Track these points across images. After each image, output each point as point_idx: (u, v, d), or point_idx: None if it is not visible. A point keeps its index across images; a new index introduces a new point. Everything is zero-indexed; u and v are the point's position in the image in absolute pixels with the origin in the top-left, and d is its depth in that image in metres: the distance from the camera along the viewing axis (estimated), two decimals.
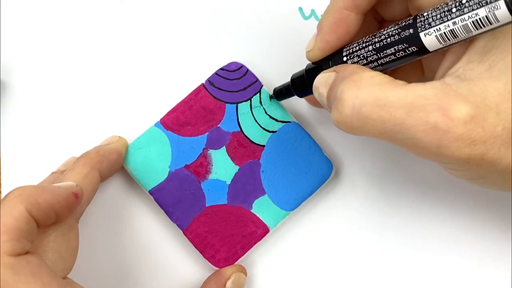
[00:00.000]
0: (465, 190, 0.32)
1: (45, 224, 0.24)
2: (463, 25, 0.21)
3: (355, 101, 0.23)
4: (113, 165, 0.30)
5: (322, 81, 0.26)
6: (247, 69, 0.32)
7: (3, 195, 0.32)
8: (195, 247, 0.31)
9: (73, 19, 0.34)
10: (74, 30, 0.34)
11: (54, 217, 0.25)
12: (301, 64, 0.33)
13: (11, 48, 0.34)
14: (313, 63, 0.28)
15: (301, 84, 0.29)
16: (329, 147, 0.33)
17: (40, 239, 0.25)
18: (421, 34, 0.23)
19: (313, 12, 0.34)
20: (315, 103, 0.32)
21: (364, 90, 0.23)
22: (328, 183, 0.32)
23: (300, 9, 0.34)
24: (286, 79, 0.33)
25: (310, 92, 0.28)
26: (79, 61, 0.34)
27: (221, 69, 0.32)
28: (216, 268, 0.31)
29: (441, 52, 0.24)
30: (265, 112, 0.32)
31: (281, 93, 0.31)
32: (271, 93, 0.33)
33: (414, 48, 0.23)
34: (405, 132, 0.22)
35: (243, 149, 0.32)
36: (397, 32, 0.24)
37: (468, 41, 0.23)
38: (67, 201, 0.25)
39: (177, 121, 0.32)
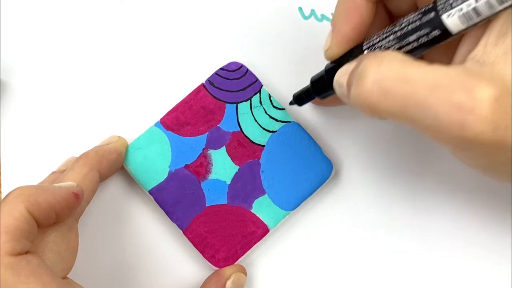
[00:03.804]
0: (465, 190, 0.32)
1: (45, 224, 0.24)
2: (485, 1, 0.21)
3: (377, 75, 0.22)
4: (113, 165, 0.30)
5: (343, 71, 0.25)
6: (247, 69, 0.32)
7: (3, 195, 0.32)
8: (195, 247, 0.31)
9: (73, 19, 0.34)
10: (74, 30, 0.34)
11: (54, 217, 0.25)
12: (302, 63, 0.33)
13: (11, 48, 0.34)
14: (331, 62, 0.28)
15: (321, 85, 0.28)
16: (329, 147, 0.33)
17: (40, 239, 0.25)
18: (443, 17, 0.22)
19: (313, 12, 0.34)
20: (325, 102, 0.31)
21: (386, 65, 0.22)
22: (328, 183, 0.32)
23: (300, 9, 0.34)
24: (286, 79, 0.33)
25: (332, 93, 0.27)
26: (79, 61, 0.34)
27: (221, 69, 0.33)
28: (216, 268, 0.31)
29: (448, 44, 0.23)
30: (265, 112, 0.32)
31: (300, 98, 0.30)
32: (271, 93, 0.33)
33: (437, 32, 0.23)
34: (427, 111, 0.21)
35: (243, 149, 0.32)
36: (418, 17, 0.23)
37: (484, 25, 0.22)
38: (67, 201, 0.25)
39: (177, 121, 0.32)
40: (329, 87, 0.27)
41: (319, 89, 0.29)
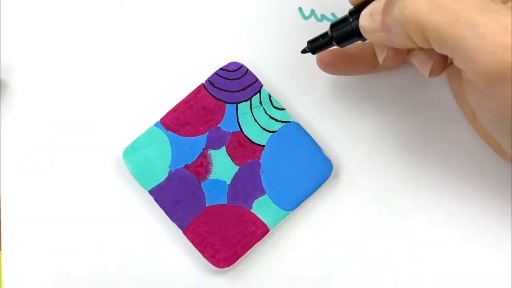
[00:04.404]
0: (465, 190, 0.32)
1: None
2: None
3: None
4: None
5: (374, 5, 0.25)
6: (247, 69, 0.33)
7: (3, 195, 0.32)
8: (195, 247, 0.31)
9: (73, 19, 0.34)
10: (74, 29, 0.34)
11: None
12: (302, 64, 0.33)
13: (12, 48, 0.34)
14: (355, 6, 0.27)
15: (343, 28, 0.27)
16: (329, 147, 0.33)
17: None
18: None
19: (313, 12, 0.34)
20: (332, 64, 0.30)
21: None
22: (328, 183, 0.32)
23: (300, 9, 0.34)
24: (286, 79, 0.33)
25: (353, 39, 0.27)
26: (79, 61, 0.34)
27: (221, 69, 0.33)
28: (216, 268, 0.31)
29: None
30: (265, 112, 0.32)
31: (316, 44, 0.29)
32: (271, 93, 0.33)
33: None
34: (475, 29, 0.21)
35: (243, 149, 0.32)
36: None
37: None
38: None
39: (177, 121, 0.32)
40: (352, 32, 0.26)
41: (340, 33, 0.27)
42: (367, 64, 0.31)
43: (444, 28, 0.22)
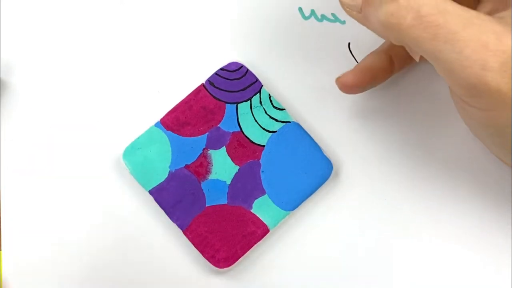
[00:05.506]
0: (465, 190, 0.32)
1: None
2: None
3: (418, 0, 0.23)
4: None
5: None
6: (247, 69, 0.33)
7: (3, 195, 0.32)
8: (195, 247, 0.31)
9: (73, 19, 0.34)
10: (74, 29, 0.34)
11: None
12: (302, 64, 0.33)
13: (12, 47, 0.34)
14: None
15: None
16: (329, 147, 0.33)
17: None
18: None
19: (313, 12, 0.34)
20: (357, 84, 0.30)
21: None
22: (328, 183, 0.32)
23: (300, 9, 0.34)
24: (286, 79, 0.33)
25: None
26: (79, 60, 0.34)
27: (221, 69, 0.33)
28: (216, 268, 0.31)
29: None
30: (265, 112, 0.32)
31: None
32: (271, 93, 0.33)
33: None
34: (455, 44, 0.22)
35: (243, 149, 0.32)
36: None
37: None
38: None
39: (177, 121, 0.32)
40: None
41: None
42: (386, 72, 0.31)
43: (424, 42, 0.23)
